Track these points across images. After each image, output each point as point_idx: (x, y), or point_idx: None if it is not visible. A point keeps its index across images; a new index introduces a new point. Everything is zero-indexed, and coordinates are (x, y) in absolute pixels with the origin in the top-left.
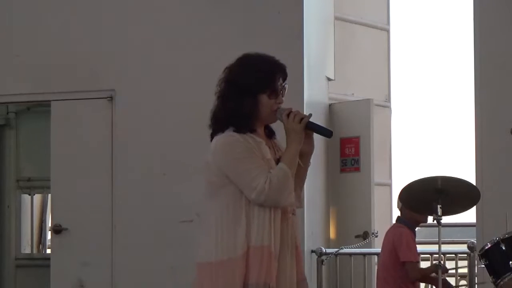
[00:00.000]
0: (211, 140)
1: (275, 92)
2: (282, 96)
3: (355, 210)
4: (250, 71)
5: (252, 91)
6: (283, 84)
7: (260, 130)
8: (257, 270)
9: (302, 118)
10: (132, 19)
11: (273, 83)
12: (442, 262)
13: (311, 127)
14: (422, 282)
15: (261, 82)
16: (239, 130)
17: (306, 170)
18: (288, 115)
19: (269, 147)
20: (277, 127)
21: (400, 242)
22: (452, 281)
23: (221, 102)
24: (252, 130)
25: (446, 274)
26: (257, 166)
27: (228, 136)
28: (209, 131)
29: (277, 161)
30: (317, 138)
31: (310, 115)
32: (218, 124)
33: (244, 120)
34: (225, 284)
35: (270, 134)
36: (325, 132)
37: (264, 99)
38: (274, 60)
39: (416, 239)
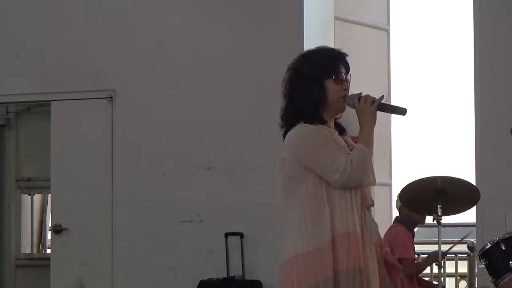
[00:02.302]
0: (284, 139)
1: (340, 78)
2: (348, 87)
3: None
4: (313, 60)
5: (318, 78)
6: (347, 74)
7: (331, 124)
8: (345, 256)
9: (374, 100)
10: (132, 19)
11: (337, 69)
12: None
13: (384, 108)
14: (420, 285)
15: (325, 68)
16: (310, 122)
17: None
18: (359, 99)
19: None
20: None
21: (395, 240)
22: (452, 281)
23: (289, 97)
24: (323, 122)
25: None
26: (335, 150)
27: (301, 127)
28: (281, 132)
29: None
30: None
31: (382, 96)
32: (289, 120)
33: (314, 109)
34: (315, 273)
35: (341, 131)
36: (399, 110)
37: (330, 84)
38: (335, 49)
39: (416, 239)
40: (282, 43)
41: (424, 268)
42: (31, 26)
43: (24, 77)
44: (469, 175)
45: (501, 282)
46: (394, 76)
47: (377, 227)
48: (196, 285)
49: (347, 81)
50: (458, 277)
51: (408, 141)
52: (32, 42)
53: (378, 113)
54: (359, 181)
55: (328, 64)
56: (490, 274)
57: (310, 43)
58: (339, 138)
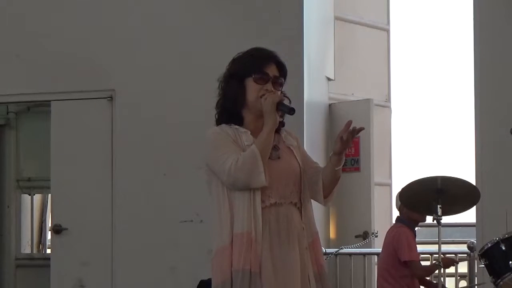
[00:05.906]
0: None
1: (263, 78)
2: (278, 88)
3: (355, 210)
4: (239, 60)
5: (239, 75)
6: (278, 77)
7: (254, 124)
8: (237, 256)
9: (273, 100)
10: (132, 19)
11: (261, 68)
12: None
13: (280, 108)
14: (423, 284)
15: (248, 66)
16: (227, 120)
17: (334, 169)
18: (266, 99)
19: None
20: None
21: (400, 242)
22: (452, 281)
23: (218, 98)
24: (241, 121)
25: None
26: (228, 151)
27: (209, 129)
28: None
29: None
30: (319, 138)
31: (281, 95)
32: (215, 121)
33: (233, 107)
34: (218, 273)
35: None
36: (288, 110)
37: (250, 82)
38: (268, 50)
39: (416, 239)
40: (282, 43)
41: (433, 272)
42: (31, 25)
43: (24, 77)
44: (469, 175)
45: (501, 282)
46: (394, 76)
47: (308, 226)
48: (196, 285)
49: (276, 82)
50: (458, 277)
51: (408, 141)
52: (33, 42)
53: (380, 110)
54: (245, 181)
55: (251, 63)
56: (490, 274)
57: (310, 43)
58: (248, 138)
